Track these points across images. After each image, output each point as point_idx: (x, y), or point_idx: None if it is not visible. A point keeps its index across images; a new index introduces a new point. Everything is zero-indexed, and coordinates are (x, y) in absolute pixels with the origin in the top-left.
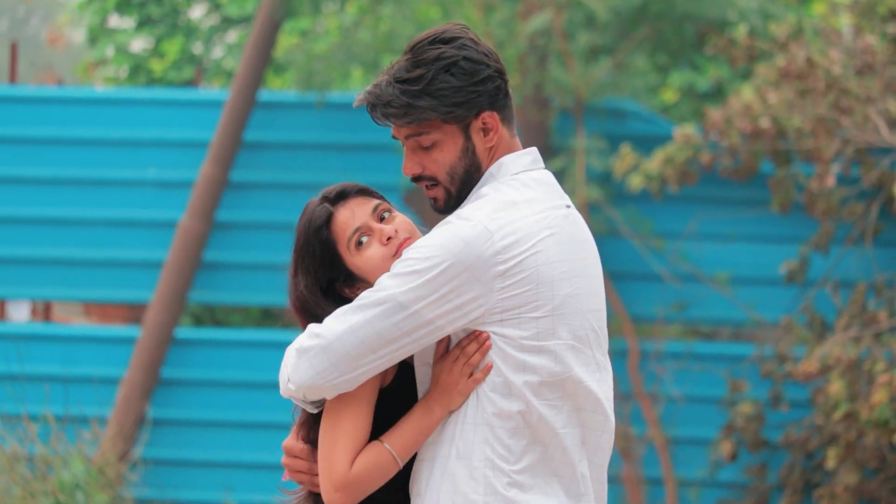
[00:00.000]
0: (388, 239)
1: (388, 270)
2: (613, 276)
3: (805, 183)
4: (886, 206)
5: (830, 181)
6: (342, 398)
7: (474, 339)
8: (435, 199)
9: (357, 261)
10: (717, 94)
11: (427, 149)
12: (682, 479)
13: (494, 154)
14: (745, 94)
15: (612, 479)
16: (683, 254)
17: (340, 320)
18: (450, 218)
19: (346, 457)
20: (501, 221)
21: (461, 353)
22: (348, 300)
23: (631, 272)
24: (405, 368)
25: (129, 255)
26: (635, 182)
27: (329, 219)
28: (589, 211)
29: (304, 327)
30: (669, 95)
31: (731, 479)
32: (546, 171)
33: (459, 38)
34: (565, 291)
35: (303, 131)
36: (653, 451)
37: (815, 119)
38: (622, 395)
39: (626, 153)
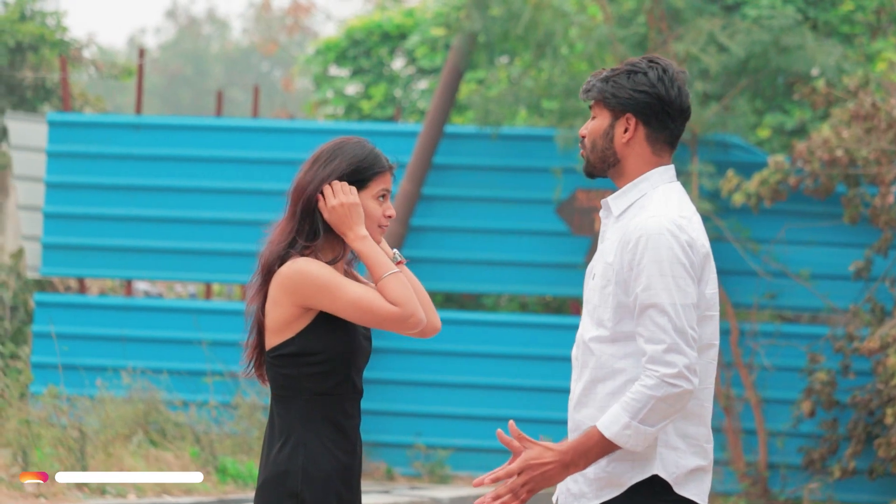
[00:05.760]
0: (388, 216)
1: (372, 225)
2: (719, 272)
3: (870, 200)
4: None
5: (890, 199)
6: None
7: None
8: (584, 162)
9: (368, 202)
10: (802, 131)
11: (592, 119)
12: (771, 431)
13: (631, 155)
14: (824, 131)
15: (716, 430)
16: (774, 255)
17: None
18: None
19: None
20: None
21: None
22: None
23: (733, 269)
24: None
25: None
26: (737, 199)
27: (387, 169)
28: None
29: (292, 209)
30: (764, 132)
31: (809, 431)
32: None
33: (660, 65)
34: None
35: (479, 157)
36: (748, 408)
37: (879, 150)
38: (724, 365)
39: (731, 176)
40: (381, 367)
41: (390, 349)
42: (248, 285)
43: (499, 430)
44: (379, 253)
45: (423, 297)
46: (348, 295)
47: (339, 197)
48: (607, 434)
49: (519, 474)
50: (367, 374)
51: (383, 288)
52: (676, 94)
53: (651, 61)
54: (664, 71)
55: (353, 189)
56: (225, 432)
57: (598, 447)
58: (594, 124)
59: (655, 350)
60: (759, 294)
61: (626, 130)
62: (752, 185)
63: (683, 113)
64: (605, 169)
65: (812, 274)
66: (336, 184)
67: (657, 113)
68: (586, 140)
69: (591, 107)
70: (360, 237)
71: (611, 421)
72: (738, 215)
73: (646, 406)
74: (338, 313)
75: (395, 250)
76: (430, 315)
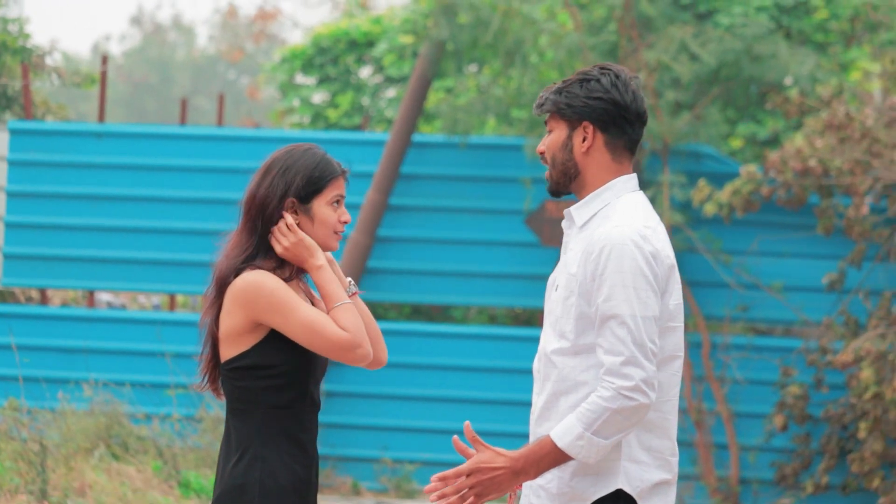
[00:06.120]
0: (343, 222)
1: (328, 231)
2: (690, 283)
3: (844, 211)
4: None
5: (864, 210)
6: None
7: None
8: (548, 181)
9: (322, 208)
10: (775, 141)
11: (549, 133)
12: (743, 445)
13: (592, 165)
14: (797, 140)
15: (687, 444)
16: (746, 266)
17: None
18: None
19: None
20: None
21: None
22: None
23: (704, 281)
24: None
25: None
26: (709, 209)
27: (339, 174)
28: (672, 232)
29: (250, 224)
30: (737, 142)
31: (782, 446)
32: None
33: (612, 71)
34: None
35: (447, 166)
36: (720, 422)
37: (852, 161)
38: (696, 378)
39: (702, 186)
40: (348, 380)
41: None
42: (203, 297)
43: (455, 437)
44: (334, 282)
45: (373, 330)
46: (299, 316)
47: (282, 242)
48: (560, 444)
49: (468, 476)
50: (334, 387)
51: (334, 317)
52: (632, 98)
53: (603, 68)
54: (617, 77)
55: (292, 223)
56: (188, 446)
57: (551, 457)
58: (552, 138)
59: (613, 362)
60: (731, 306)
61: (584, 139)
62: (724, 195)
63: (640, 117)
64: (567, 183)
65: (785, 286)
66: (275, 229)
67: (614, 118)
68: (546, 155)
69: (546, 121)
70: (315, 267)
71: (564, 431)
72: (710, 226)
73: (600, 418)
74: (287, 333)
75: (349, 280)
76: (378, 348)
